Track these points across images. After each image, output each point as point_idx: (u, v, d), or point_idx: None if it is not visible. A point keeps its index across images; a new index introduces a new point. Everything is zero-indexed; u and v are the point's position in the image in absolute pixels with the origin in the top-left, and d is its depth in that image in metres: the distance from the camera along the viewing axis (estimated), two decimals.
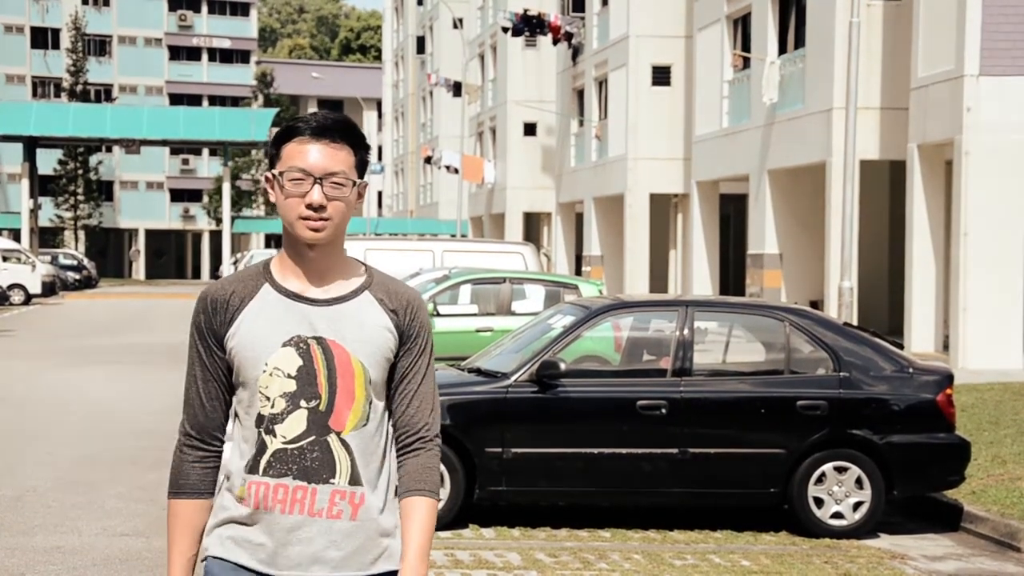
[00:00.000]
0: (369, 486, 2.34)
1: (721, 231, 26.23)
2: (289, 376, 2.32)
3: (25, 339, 21.93)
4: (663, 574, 6.39)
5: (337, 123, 2.35)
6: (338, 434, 2.33)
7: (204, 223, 72.74)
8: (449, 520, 7.15)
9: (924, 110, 16.81)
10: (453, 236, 37.84)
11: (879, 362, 7.54)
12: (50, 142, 48.60)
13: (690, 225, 26.16)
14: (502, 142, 42.30)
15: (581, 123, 32.87)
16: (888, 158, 19.30)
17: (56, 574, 6.10)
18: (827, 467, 7.34)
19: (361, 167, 2.36)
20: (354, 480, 2.33)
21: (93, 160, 68.29)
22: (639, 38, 28.22)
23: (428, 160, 49.30)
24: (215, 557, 2.38)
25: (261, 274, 2.41)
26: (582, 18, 32.65)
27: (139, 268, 72.94)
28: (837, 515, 7.34)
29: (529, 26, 32.95)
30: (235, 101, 73.81)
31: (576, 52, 32.89)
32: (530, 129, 41.29)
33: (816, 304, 19.51)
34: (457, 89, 42.21)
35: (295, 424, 2.32)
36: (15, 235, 47.84)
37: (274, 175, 2.35)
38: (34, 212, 45.44)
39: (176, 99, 73.29)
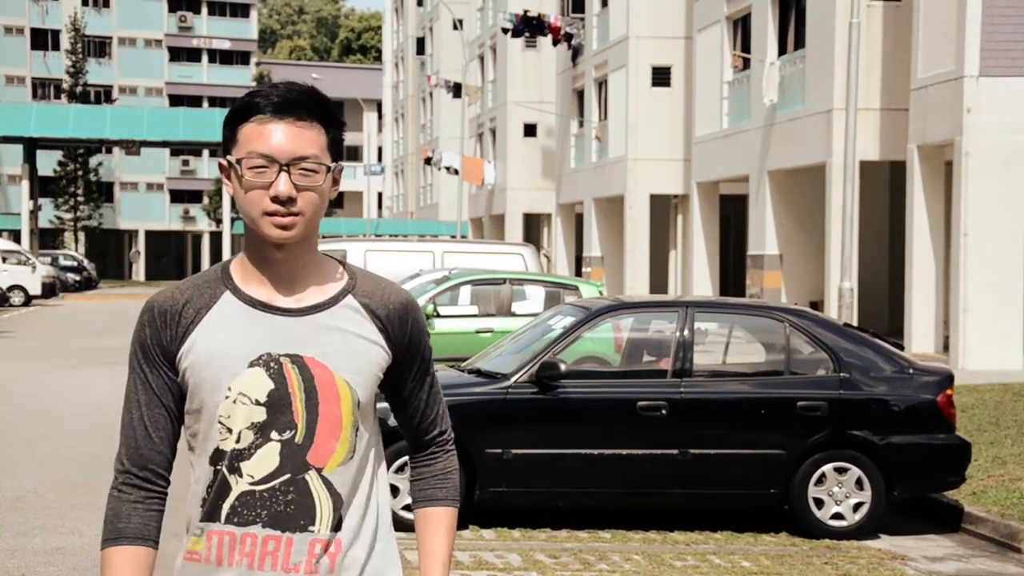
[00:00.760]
0: (351, 533, 1.96)
1: (721, 232, 26.24)
2: (258, 403, 1.92)
3: (25, 340, 21.93)
4: (663, 575, 6.39)
5: (303, 95, 1.94)
6: (319, 471, 1.93)
7: (204, 224, 72.76)
8: None
9: (924, 111, 16.81)
10: (453, 237, 37.85)
11: (879, 363, 7.54)
12: (50, 143, 48.60)
13: (690, 226, 26.16)
14: (502, 143, 42.31)
15: (581, 124, 32.87)
16: (888, 159, 19.31)
17: (56, 575, 6.10)
18: (827, 468, 7.35)
19: (335, 148, 1.96)
20: (337, 526, 1.95)
21: (93, 161, 68.30)
22: (639, 39, 28.22)
23: (428, 161, 49.31)
24: None
25: (219, 279, 1.99)
26: (582, 19, 32.66)
27: (139, 269, 72.96)
28: (837, 516, 7.34)
29: (529, 27, 32.96)
30: (235, 102, 73.60)
31: (576, 53, 32.90)
32: (530, 130, 41.30)
33: (816, 305, 19.50)
34: (457, 90, 42.22)
35: (265, 461, 1.92)
36: (15, 236, 47.85)
37: (230, 162, 1.94)
38: (34, 213, 45.45)
39: (176, 100, 73.30)
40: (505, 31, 34.55)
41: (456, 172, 42.56)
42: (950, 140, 16.22)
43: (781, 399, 7.42)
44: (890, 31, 19.05)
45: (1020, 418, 10.96)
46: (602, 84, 31.02)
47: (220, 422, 1.93)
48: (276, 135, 1.91)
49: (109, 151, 68.15)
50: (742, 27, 23.71)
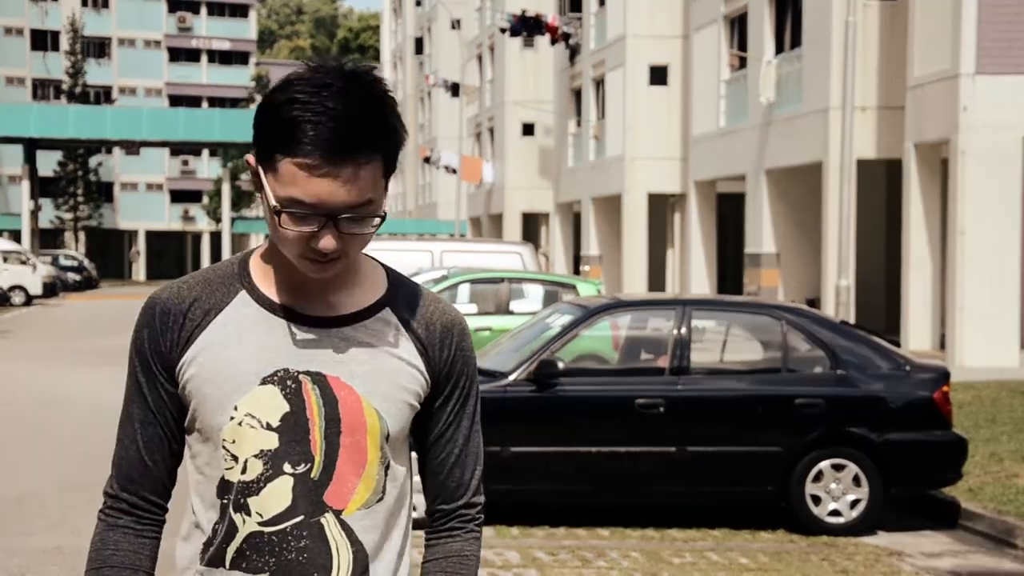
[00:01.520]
0: None
1: (719, 230, 26.28)
2: (269, 427, 1.62)
3: (26, 340, 21.95)
4: (661, 572, 6.43)
5: (368, 122, 1.53)
6: (337, 514, 1.64)
7: (204, 224, 72.78)
8: None
9: (920, 109, 16.85)
10: (452, 236, 37.87)
11: (876, 360, 7.58)
12: (50, 144, 48.67)
13: (688, 224, 26.20)
14: (500, 142, 42.33)
15: (579, 123, 32.90)
16: (885, 157, 19.35)
17: (56, 575, 6.13)
18: (824, 465, 7.38)
19: (392, 167, 1.60)
20: None
21: (93, 161, 68.35)
22: (636, 38, 28.25)
23: (427, 160, 49.33)
24: None
25: (235, 276, 1.69)
26: (579, 18, 32.69)
27: (139, 269, 72.98)
28: (835, 513, 7.37)
29: (527, 27, 32.99)
30: (234, 102, 73.86)
31: (573, 52, 32.93)
32: (528, 129, 41.33)
33: (813, 303, 19.54)
34: (455, 90, 42.25)
35: (276, 497, 1.62)
36: (16, 236, 47.87)
37: (259, 175, 1.58)
38: (34, 213, 45.49)
39: (175, 100, 73.33)
40: (503, 31, 34.59)
41: (454, 171, 42.59)
42: (946, 138, 16.26)
43: (778, 396, 7.46)
44: (886, 29, 19.09)
45: (1016, 415, 11.00)
46: (600, 83, 31.05)
47: (225, 447, 1.63)
48: (325, 186, 1.52)
49: (109, 151, 68.18)
50: (739, 26, 23.75)
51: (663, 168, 28.03)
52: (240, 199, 65.78)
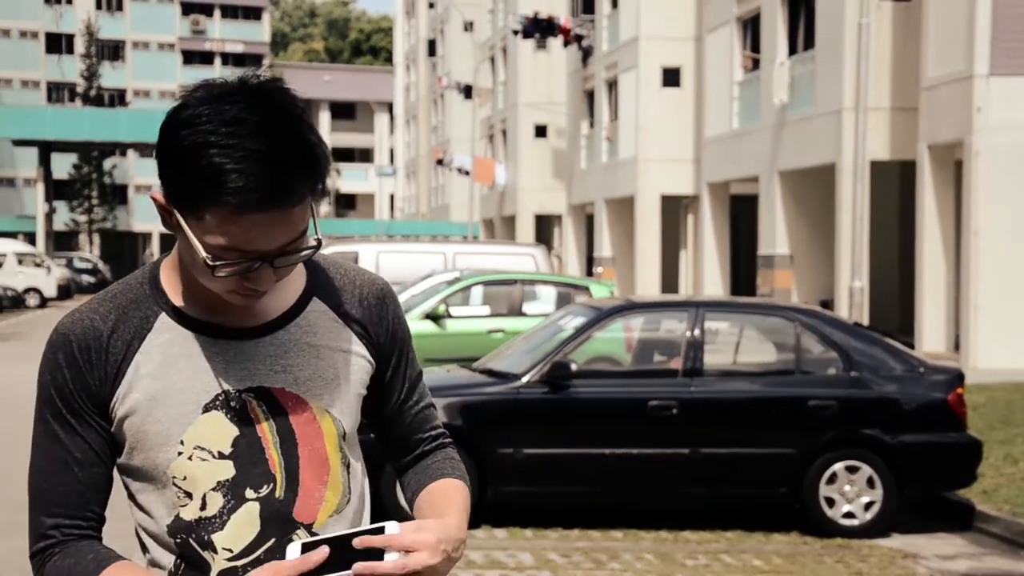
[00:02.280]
0: None
1: (732, 232, 26.24)
2: (222, 456, 1.51)
3: (40, 342, 22.02)
4: (675, 574, 6.43)
5: (296, 164, 1.42)
6: (308, 527, 1.54)
7: None
8: None
9: (934, 110, 16.81)
10: (465, 238, 37.91)
11: (890, 362, 7.57)
12: (65, 146, 48.87)
13: (701, 226, 26.17)
14: (513, 144, 42.36)
15: (592, 125, 32.90)
16: (898, 158, 19.30)
17: None
18: (838, 467, 7.37)
19: (321, 187, 1.48)
20: None
21: (107, 164, 68.62)
22: (649, 40, 28.25)
23: (440, 162, 49.40)
24: None
25: (149, 297, 1.56)
26: (592, 20, 32.70)
27: None
28: (849, 515, 7.36)
29: (540, 29, 33.02)
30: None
31: (586, 54, 32.93)
32: (541, 131, 41.35)
33: (827, 304, 19.51)
34: (468, 92, 42.31)
35: (243, 528, 1.52)
36: (30, 239, 48.12)
37: (176, 218, 1.45)
38: (49, 216, 45.69)
39: None
40: (516, 33, 34.62)
41: (467, 173, 42.63)
42: (960, 139, 16.22)
43: (792, 398, 7.45)
44: (900, 30, 19.05)
45: None
46: (612, 85, 31.05)
47: (176, 485, 1.51)
48: (258, 234, 1.41)
49: (123, 154, 68.44)
50: (752, 27, 23.73)
51: (676, 170, 28.01)
52: None
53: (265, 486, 1.53)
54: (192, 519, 1.52)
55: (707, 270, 25.69)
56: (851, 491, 7.37)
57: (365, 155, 79.32)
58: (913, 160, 18.04)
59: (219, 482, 1.52)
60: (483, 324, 13.26)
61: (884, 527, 7.42)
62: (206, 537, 1.52)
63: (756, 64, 23.17)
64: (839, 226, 18.97)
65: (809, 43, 21.03)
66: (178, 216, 1.45)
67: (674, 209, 29.35)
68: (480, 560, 6.59)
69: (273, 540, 1.52)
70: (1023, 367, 15.32)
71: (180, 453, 1.51)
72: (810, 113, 20.42)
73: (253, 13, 78.84)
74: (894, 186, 21.87)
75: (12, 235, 51.41)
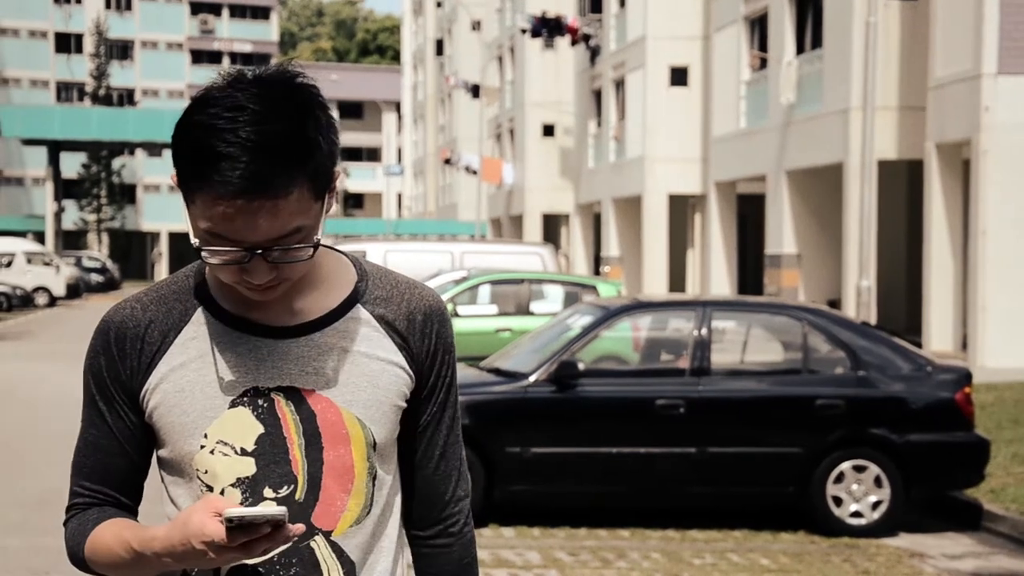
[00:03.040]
0: None
1: (739, 231, 26.22)
2: (244, 452, 1.52)
3: (49, 341, 22.13)
4: (682, 573, 6.44)
5: (284, 157, 1.40)
6: (327, 535, 1.54)
7: None
8: None
9: (942, 109, 16.78)
10: (472, 237, 37.93)
11: (897, 361, 7.57)
12: (74, 146, 49.00)
13: (708, 225, 26.16)
14: (520, 143, 42.37)
15: (599, 124, 32.90)
16: (906, 158, 19.27)
17: (79, 573, 6.18)
18: (845, 466, 7.38)
19: (325, 178, 1.46)
20: None
21: (116, 163, 68.77)
22: (656, 39, 28.24)
23: (447, 162, 49.42)
24: None
25: (191, 291, 1.56)
26: (599, 20, 32.69)
27: (162, 270, 73.39)
28: (856, 514, 7.36)
29: (547, 28, 33.02)
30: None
31: (594, 53, 32.93)
32: (548, 130, 41.35)
33: (834, 304, 19.48)
34: (476, 91, 42.31)
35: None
36: (39, 238, 48.25)
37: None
38: (58, 215, 45.82)
39: None
40: (523, 32, 34.62)
41: (475, 172, 42.64)
42: (968, 139, 16.18)
43: (799, 397, 7.46)
44: (907, 29, 19.02)
45: None
46: (620, 84, 31.04)
47: (199, 477, 1.53)
48: (240, 223, 1.40)
49: (132, 153, 68.60)
50: (759, 26, 23.71)
51: (683, 169, 28.00)
52: None
53: (285, 487, 1.52)
54: None
55: (714, 269, 25.67)
56: (858, 490, 7.37)
57: (373, 154, 79.39)
58: (921, 159, 18.00)
59: (239, 478, 1.51)
60: (490, 323, 13.28)
61: (891, 526, 7.42)
62: None
63: (764, 63, 23.15)
64: (846, 225, 18.95)
65: (817, 42, 21.00)
66: (183, 198, 1.47)
67: (681, 208, 29.33)
68: (488, 559, 6.60)
69: (289, 543, 1.48)
70: None
71: (203, 446, 1.52)
72: (818, 112, 20.39)
73: (261, 13, 78.95)
74: (902, 185, 21.83)
75: (21, 234, 51.59)
